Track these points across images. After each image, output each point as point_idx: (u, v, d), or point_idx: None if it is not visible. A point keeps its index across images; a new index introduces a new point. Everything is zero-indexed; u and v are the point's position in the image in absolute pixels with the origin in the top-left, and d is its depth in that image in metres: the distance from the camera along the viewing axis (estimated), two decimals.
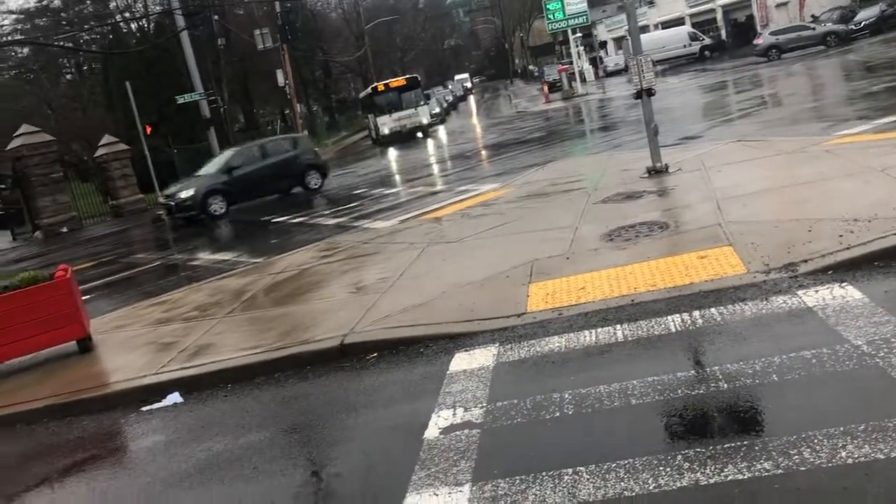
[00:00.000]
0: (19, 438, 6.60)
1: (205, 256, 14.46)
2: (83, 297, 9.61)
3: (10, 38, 43.16)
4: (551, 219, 9.86)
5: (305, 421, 5.49)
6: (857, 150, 9.85)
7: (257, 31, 42.08)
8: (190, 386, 6.70)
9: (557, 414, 4.57)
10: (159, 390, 6.72)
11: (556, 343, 5.69)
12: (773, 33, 38.19)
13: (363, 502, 4.21)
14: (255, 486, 4.66)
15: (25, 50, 49.44)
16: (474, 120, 45.54)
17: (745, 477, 3.53)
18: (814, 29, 37.71)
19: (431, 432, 4.68)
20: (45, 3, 49.23)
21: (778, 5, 51.10)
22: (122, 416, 6.49)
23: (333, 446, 5.00)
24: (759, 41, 38.20)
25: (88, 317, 9.00)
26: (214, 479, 4.85)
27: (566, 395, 4.77)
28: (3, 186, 28.75)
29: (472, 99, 78.50)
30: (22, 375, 8.11)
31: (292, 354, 6.70)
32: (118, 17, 46.33)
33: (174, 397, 6.57)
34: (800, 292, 5.58)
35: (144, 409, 6.50)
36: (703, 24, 57.18)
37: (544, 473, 3.92)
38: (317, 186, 22.37)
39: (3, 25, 45.48)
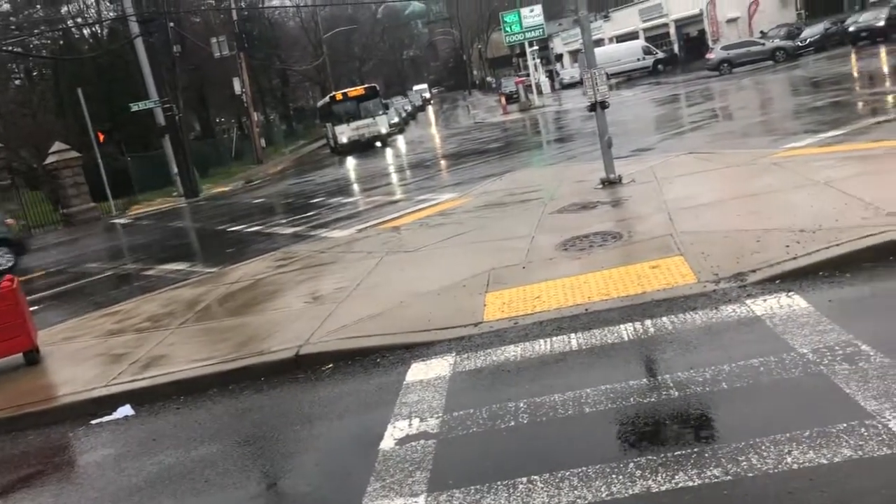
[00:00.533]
0: None
1: (158, 266, 14.21)
2: (31, 308, 9.36)
3: None
4: (508, 228, 9.94)
5: (259, 433, 5.42)
6: (803, 163, 10.13)
7: (214, 39, 41.67)
8: (142, 398, 6.57)
9: (513, 423, 4.60)
10: (110, 403, 6.58)
11: (511, 352, 5.73)
12: (724, 48, 39.17)
13: None
14: (207, 499, 4.59)
15: None
16: (433, 130, 45.65)
17: (696, 484, 3.60)
18: (763, 45, 38.76)
19: (387, 443, 4.67)
20: None
21: (728, 21, 52.42)
22: (71, 430, 6.34)
23: (288, 458, 4.96)
24: (710, 55, 39.10)
25: (36, 328, 8.76)
26: (166, 493, 4.76)
27: (521, 404, 4.80)
28: None
29: (430, 109, 78.72)
30: None
31: (246, 366, 6.62)
32: (70, 23, 45.44)
33: (125, 410, 6.44)
34: (748, 301, 5.71)
35: (94, 422, 6.35)
36: (657, 39, 58.37)
37: (499, 483, 3.94)
38: (9, 266, 17.58)
39: None
